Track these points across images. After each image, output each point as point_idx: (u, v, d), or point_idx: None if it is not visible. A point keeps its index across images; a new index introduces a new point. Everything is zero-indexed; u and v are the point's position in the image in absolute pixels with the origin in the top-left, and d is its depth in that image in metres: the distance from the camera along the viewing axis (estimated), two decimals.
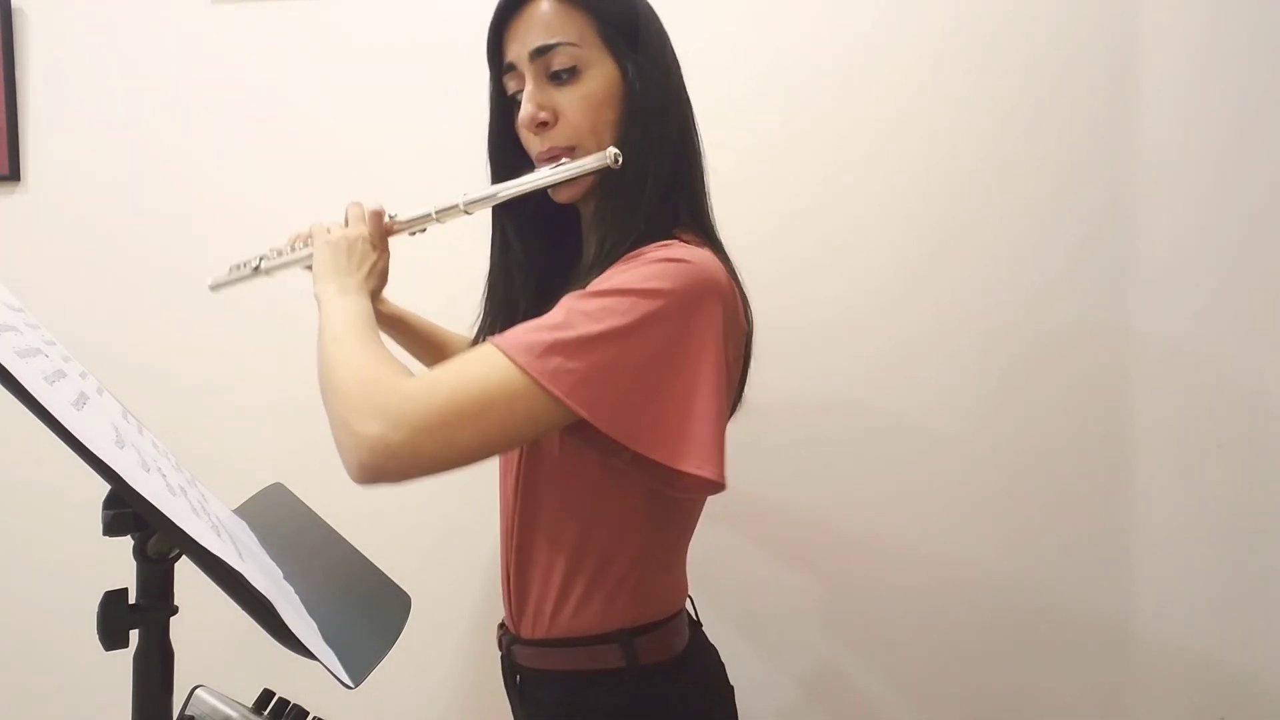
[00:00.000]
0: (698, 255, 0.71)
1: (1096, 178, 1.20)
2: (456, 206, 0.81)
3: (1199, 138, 1.18)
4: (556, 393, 0.64)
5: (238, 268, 0.97)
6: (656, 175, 0.77)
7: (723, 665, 0.90)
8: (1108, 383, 1.20)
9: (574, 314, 0.67)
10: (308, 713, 0.65)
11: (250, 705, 0.65)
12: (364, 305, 0.77)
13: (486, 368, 0.65)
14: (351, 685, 0.55)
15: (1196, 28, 1.18)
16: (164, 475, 0.56)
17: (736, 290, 0.77)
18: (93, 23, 1.36)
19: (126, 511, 0.54)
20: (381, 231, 0.85)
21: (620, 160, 0.75)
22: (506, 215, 0.87)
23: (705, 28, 1.24)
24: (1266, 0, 1.17)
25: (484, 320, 0.89)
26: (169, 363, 1.35)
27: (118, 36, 1.36)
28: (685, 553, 0.88)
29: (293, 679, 0.75)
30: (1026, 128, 1.21)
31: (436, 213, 0.83)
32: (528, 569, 0.83)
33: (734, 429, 0.85)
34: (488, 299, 0.89)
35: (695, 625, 0.89)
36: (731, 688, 0.89)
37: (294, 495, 0.90)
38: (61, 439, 0.46)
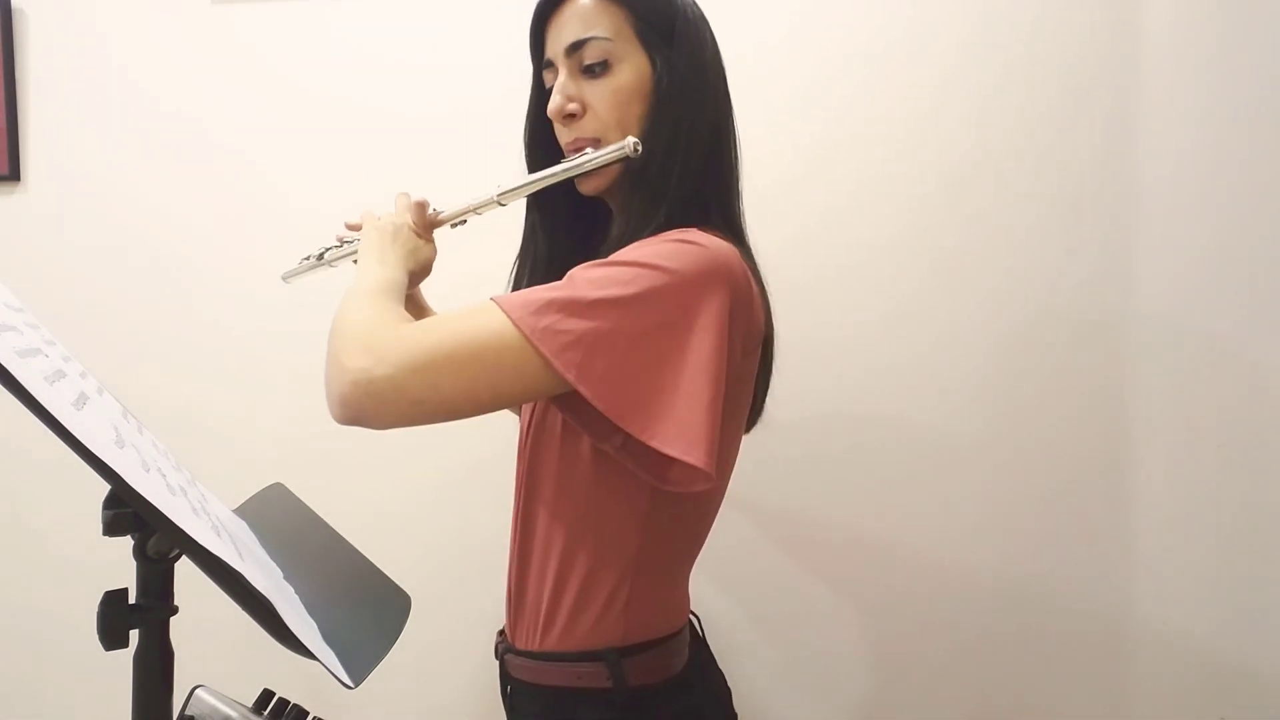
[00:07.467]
0: (714, 243, 0.70)
1: (1102, 178, 1.20)
2: (491, 199, 0.82)
3: (1203, 136, 1.18)
4: (544, 351, 0.63)
5: (305, 259, 0.98)
6: (684, 170, 0.76)
7: (728, 691, 0.87)
8: (1109, 383, 1.20)
9: (577, 279, 0.67)
10: (308, 713, 0.65)
11: (250, 705, 0.65)
12: (396, 276, 0.78)
13: (481, 319, 0.65)
14: (351, 685, 0.55)
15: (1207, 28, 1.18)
16: (164, 475, 0.56)
17: (754, 287, 0.75)
18: (93, 23, 1.36)
19: (126, 511, 0.54)
20: (425, 222, 0.86)
21: (639, 149, 0.74)
22: (536, 209, 0.88)
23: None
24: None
25: None
26: (169, 362, 1.35)
27: (118, 36, 1.36)
28: (688, 571, 0.85)
29: (293, 679, 0.75)
30: (1043, 140, 1.21)
31: (475, 206, 0.84)
32: (525, 576, 0.81)
33: (749, 442, 0.84)
34: (512, 291, 0.89)
35: (699, 644, 0.86)
36: (735, 715, 0.86)
37: (294, 495, 0.89)
38: (61, 439, 0.46)
